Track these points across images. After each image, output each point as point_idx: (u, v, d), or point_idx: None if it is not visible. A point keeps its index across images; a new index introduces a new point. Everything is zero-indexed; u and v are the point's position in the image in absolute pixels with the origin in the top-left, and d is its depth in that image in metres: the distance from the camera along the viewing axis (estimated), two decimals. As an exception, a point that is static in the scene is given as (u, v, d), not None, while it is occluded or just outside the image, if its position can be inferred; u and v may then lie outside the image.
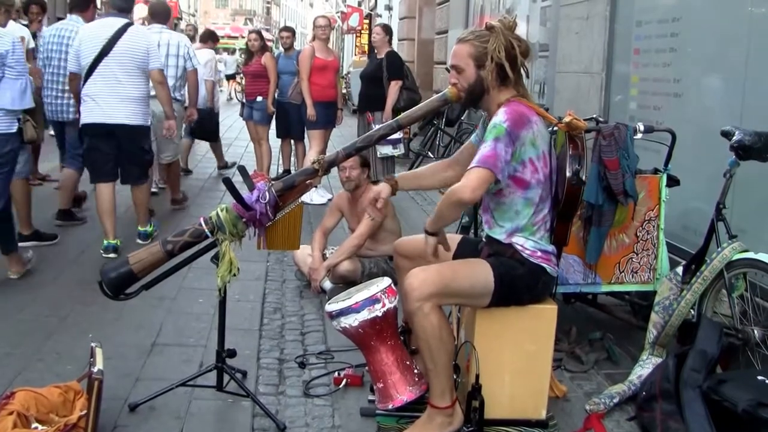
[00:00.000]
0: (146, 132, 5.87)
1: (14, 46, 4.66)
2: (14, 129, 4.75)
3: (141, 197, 5.97)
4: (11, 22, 6.09)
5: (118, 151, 5.64)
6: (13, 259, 4.98)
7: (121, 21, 5.64)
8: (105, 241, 5.57)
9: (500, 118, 2.88)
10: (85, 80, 5.53)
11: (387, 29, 8.33)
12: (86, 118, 5.57)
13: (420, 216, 7.25)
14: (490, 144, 2.84)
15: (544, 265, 3.01)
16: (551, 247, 3.08)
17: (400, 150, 7.75)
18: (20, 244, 5.24)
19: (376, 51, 8.41)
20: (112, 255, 5.44)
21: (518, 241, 3.01)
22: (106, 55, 5.47)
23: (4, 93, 4.62)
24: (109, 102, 5.49)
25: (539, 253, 3.01)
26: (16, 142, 4.82)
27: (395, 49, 8.60)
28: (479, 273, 2.96)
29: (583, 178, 3.00)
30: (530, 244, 3.01)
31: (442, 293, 2.90)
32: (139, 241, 5.87)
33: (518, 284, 2.99)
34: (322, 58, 8.07)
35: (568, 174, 2.98)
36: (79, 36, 5.69)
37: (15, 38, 4.76)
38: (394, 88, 7.84)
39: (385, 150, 7.58)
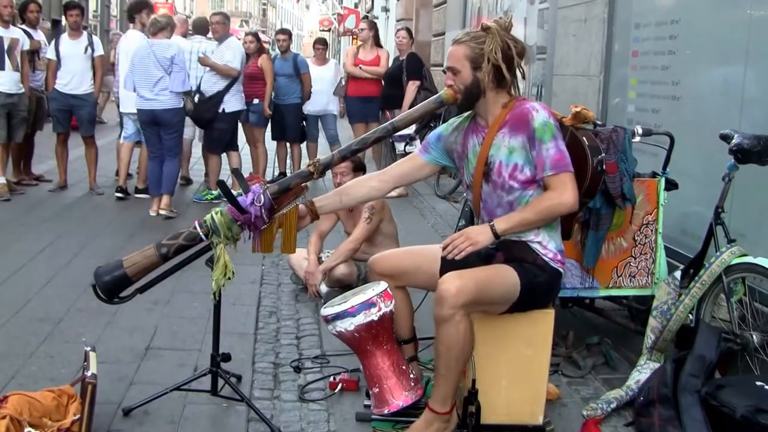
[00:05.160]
0: None
1: (178, 50, 7.22)
2: (181, 104, 7.28)
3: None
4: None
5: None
6: (166, 199, 7.18)
7: None
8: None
9: (543, 114, 2.90)
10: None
11: (410, 33, 9.03)
12: (240, 105, 8.10)
13: (416, 218, 7.24)
14: (553, 144, 2.87)
15: (561, 269, 3.02)
16: (563, 247, 3.08)
17: (415, 147, 7.93)
18: (137, 195, 7.96)
19: (399, 53, 8.84)
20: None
21: (544, 241, 2.98)
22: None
23: (174, 81, 7.08)
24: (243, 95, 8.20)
25: (559, 256, 3.01)
26: (182, 113, 7.37)
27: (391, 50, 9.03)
28: (510, 281, 2.92)
29: (605, 166, 3.04)
30: (553, 245, 3.00)
31: (476, 301, 2.85)
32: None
33: (539, 291, 2.98)
34: (361, 58, 9.12)
35: (593, 162, 3.04)
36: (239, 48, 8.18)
37: (179, 45, 7.43)
38: (411, 88, 8.25)
39: (398, 147, 8.07)
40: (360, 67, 9.10)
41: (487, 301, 2.92)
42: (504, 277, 2.93)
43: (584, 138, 3.14)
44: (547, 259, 2.98)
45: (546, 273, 2.97)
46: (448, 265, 3.03)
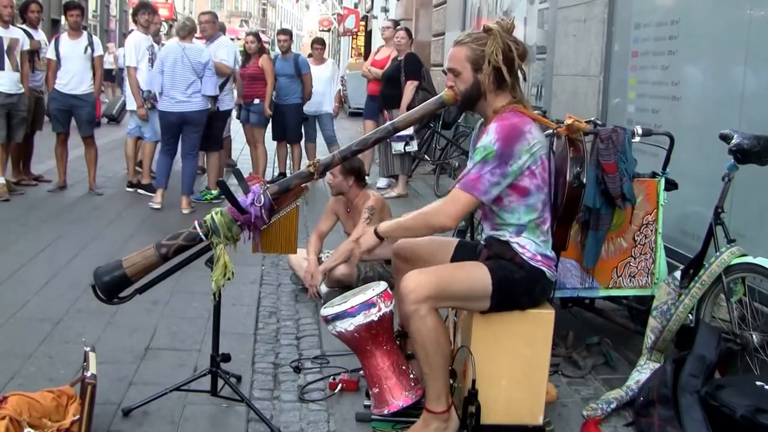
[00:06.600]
0: None
1: (210, 56, 7.58)
2: (209, 105, 7.60)
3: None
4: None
5: None
6: (186, 200, 7.44)
7: None
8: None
9: (491, 138, 2.86)
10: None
11: (409, 33, 9.09)
12: (231, 104, 8.55)
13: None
14: (477, 167, 2.86)
15: (544, 269, 2.99)
16: (552, 253, 3.06)
17: (413, 147, 8.31)
18: (138, 191, 8.19)
19: (397, 53, 8.85)
20: None
21: (522, 242, 2.97)
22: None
23: (206, 85, 7.45)
24: None
25: (539, 257, 2.98)
26: (208, 113, 7.63)
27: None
28: (477, 276, 2.93)
29: (584, 180, 2.99)
30: (533, 247, 2.98)
31: (438, 296, 2.87)
32: None
33: (516, 288, 2.96)
34: (377, 58, 9.56)
35: (569, 177, 2.97)
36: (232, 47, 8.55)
37: (210, 51, 7.74)
38: (409, 88, 8.32)
39: (398, 147, 8.17)
40: (369, 69, 9.42)
41: (453, 296, 2.94)
42: (470, 272, 2.95)
43: (572, 149, 3.08)
44: (525, 258, 2.97)
45: (524, 270, 2.96)
46: (459, 258, 3.12)
